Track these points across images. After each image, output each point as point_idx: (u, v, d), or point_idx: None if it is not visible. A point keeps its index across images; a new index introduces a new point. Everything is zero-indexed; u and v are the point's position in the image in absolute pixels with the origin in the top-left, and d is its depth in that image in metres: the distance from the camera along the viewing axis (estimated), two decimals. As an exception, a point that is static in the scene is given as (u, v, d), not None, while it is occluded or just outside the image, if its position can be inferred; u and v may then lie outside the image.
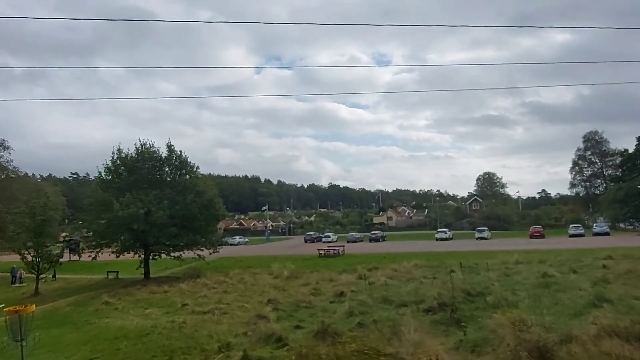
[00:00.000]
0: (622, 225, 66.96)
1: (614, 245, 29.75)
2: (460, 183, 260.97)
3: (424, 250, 36.81)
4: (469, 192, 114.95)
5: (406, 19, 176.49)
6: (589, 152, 76.08)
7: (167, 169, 29.72)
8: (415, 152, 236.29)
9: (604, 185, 73.36)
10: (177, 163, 29.50)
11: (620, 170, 68.47)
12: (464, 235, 61.63)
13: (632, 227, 63.53)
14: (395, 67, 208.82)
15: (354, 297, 13.26)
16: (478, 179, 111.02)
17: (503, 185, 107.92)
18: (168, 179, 29.46)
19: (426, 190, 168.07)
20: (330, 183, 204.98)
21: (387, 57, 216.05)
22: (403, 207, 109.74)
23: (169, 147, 29.20)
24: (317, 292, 16.05)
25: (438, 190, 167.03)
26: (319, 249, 37.76)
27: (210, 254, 28.45)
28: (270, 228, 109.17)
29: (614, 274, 14.80)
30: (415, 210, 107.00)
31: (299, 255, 39.54)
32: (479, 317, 8.50)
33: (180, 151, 29.50)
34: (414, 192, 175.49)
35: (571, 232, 50.05)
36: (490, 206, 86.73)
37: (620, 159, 68.81)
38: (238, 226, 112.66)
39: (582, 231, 50.18)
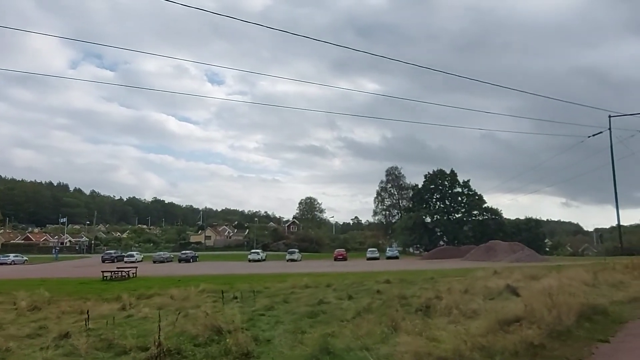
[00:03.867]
0: (411, 249, 76.82)
1: (397, 269, 32.30)
2: (286, 206, 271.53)
3: (227, 273, 34.79)
4: (293, 215, 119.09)
5: (238, 42, 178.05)
6: (390, 185, 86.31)
7: None
8: (245, 173, 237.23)
9: (400, 214, 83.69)
10: None
11: (411, 202, 79.08)
12: (279, 256, 61.98)
13: (418, 252, 73.38)
14: (228, 87, 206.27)
15: (75, 341, 9.93)
16: (300, 203, 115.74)
17: (322, 210, 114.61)
18: None
19: (254, 211, 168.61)
20: (155, 198, 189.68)
21: (219, 76, 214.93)
22: (224, 227, 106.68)
23: None
24: (39, 333, 12.06)
25: (266, 212, 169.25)
26: (103, 271, 32.14)
27: None
28: (67, 244, 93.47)
29: (382, 299, 14.73)
30: (236, 230, 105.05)
31: (80, 277, 33.17)
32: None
33: None
34: (242, 212, 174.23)
35: (368, 255, 54.74)
36: (305, 229, 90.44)
37: (412, 192, 79.64)
38: (23, 241, 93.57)
39: (378, 255, 55.25)
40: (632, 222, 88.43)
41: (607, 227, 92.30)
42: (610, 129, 47.91)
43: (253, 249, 65.72)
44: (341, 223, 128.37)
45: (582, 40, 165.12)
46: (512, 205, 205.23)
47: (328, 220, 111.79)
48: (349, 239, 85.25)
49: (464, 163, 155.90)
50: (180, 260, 55.46)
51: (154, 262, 55.28)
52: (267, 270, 37.30)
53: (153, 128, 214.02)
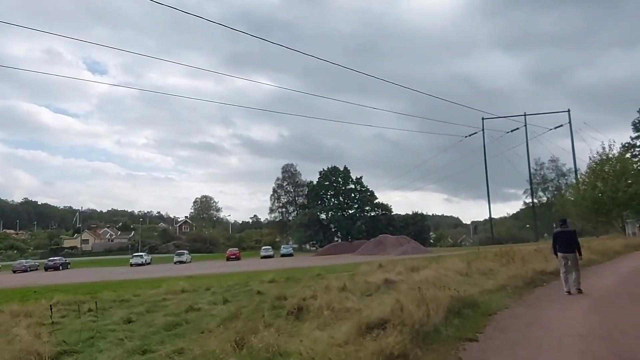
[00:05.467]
0: (307, 246, 77.17)
1: (287, 266, 31.32)
2: (181, 205, 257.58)
3: (99, 280, 30.79)
4: (186, 215, 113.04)
5: (120, 28, 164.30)
6: (286, 182, 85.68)
7: None
8: (134, 171, 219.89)
9: (296, 211, 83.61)
10: None
11: (307, 199, 79.45)
12: (167, 259, 57.63)
13: (314, 248, 73.88)
14: (111, 78, 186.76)
15: None
16: (195, 202, 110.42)
17: (219, 209, 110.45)
18: None
19: (146, 211, 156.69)
20: (25, 199, 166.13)
21: (101, 65, 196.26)
22: (105, 229, 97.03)
23: None
24: None
25: (159, 212, 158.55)
26: None
27: None
28: None
29: (259, 301, 13.33)
30: (120, 232, 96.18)
31: None
32: None
33: None
34: (131, 213, 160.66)
35: (262, 253, 53.36)
36: (199, 229, 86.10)
37: (307, 189, 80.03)
38: None
39: (272, 253, 54.11)
40: (501, 215, 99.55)
41: (482, 219, 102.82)
42: (483, 130, 52.60)
43: (137, 252, 60.34)
44: (240, 222, 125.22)
45: (459, 50, 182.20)
46: (401, 201, 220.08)
47: (225, 219, 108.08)
48: (245, 237, 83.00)
49: (358, 161, 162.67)
50: (47, 269, 48.63)
51: (14, 271, 47.87)
52: (149, 275, 33.91)
53: (22, 120, 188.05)
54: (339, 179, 76.07)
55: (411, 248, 47.12)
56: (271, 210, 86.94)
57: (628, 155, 42.42)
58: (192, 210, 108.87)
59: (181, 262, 49.81)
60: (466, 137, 52.07)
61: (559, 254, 10.40)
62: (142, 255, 53.03)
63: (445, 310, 6.76)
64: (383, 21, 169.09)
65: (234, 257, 51.60)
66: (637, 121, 58.11)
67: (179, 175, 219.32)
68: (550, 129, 53.07)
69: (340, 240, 70.26)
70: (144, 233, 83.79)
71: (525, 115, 51.97)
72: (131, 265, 48.82)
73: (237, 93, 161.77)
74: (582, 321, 7.23)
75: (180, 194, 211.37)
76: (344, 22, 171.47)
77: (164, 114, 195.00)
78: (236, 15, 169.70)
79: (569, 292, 9.93)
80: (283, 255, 53.82)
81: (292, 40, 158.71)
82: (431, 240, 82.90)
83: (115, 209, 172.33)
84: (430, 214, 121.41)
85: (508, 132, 51.99)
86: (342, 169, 76.80)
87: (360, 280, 14.32)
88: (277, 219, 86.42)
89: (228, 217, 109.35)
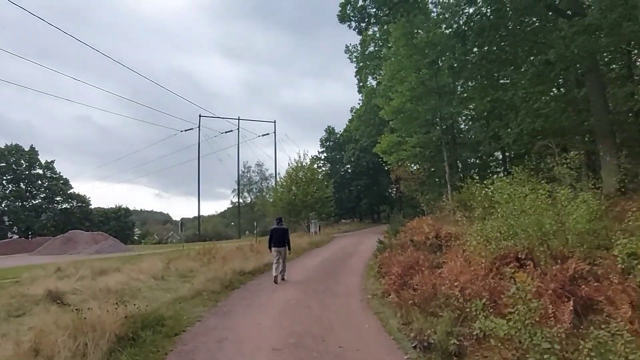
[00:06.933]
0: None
1: None
2: None
3: None
4: None
5: None
6: None
7: None
8: None
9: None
10: None
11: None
12: None
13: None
14: None
15: None
16: None
17: None
18: None
19: None
20: None
21: None
22: None
23: None
24: None
25: None
26: None
27: None
28: None
29: None
30: None
31: None
32: None
33: None
34: None
35: None
36: None
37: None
38: None
39: None
40: (210, 213, 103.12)
41: (191, 216, 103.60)
42: (199, 127, 52.52)
43: None
44: None
45: (182, 47, 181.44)
46: (106, 193, 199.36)
47: None
48: None
49: (54, 143, 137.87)
50: None
51: None
52: None
53: None
54: (22, 162, 61.05)
55: (108, 246, 41.74)
56: None
57: (316, 165, 50.29)
58: None
59: None
60: (182, 131, 50.83)
61: (273, 248, 11.58)
62: None
63: (113, 340, 4.84)
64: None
65: None
66: (323, 139, 70.62)
67: None
68: (259, 136, 58.19)
69: (16, 237, 56.35)
70: None
71: (239, 119, 54.80)
72: None
73: None
74: (276, 329, 6.65)
75: None
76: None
77: None
78: None
79: (275, 281, 11.05)
80: None
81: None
82: (135, 237, 77.47)
83: None
84: (139, 209, 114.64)
85: (223, 133, 53.73)
86: (27, 148, 62.12)
87: (15, 293, 10.50)
88: None
89: None
